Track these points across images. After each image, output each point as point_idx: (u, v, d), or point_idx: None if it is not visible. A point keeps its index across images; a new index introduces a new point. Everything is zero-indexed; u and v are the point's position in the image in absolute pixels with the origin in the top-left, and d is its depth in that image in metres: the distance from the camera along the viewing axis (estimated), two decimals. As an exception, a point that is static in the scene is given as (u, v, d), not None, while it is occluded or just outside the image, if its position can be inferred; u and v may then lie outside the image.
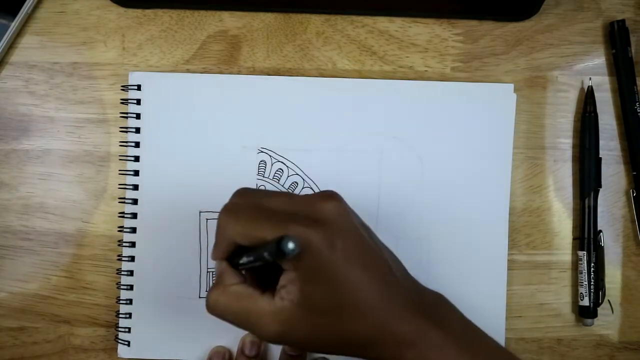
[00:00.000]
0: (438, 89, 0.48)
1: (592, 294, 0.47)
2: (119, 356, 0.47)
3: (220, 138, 0.47)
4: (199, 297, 0.47)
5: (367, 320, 0.34)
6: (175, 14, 0.48)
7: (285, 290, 0.34)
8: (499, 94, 0.48)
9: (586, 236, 0.48)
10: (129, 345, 0.47)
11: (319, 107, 0.47)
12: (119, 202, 0.47)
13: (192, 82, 0.47)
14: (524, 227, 0.48)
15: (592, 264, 0.47)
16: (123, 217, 0.47)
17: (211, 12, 0.48)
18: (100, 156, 0.48)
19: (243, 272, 0.37)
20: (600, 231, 0.48)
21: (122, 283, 0.47)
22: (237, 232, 0.35)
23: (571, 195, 0.49)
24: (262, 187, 0.47)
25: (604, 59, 0.49)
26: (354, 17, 0.48)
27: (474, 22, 0.48)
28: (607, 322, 0.49)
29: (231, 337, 0.47)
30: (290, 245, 0.29)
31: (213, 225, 0.47)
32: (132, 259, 0.47)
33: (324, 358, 0.47)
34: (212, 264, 0.47)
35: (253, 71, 0.48)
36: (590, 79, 0.48)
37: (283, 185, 0.47)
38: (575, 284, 0.48)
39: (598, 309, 0.48)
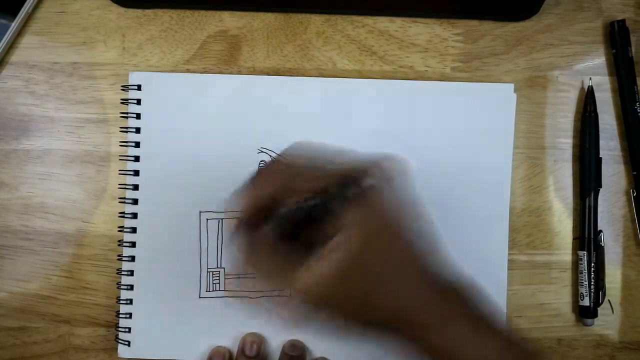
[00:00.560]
0: (438, 89, 0.48)
1: (592, 294, 0.47)
2: (119, 356, 0.47)
3: (220, 138, 0.47)
4: (199, 297, 0.47)
5: (402, 299, 0.34)
6: (175, 14, 0.48)
7: (334, 253, 0.33)
8: (499, 93, 0.48)
9: (586, 236, 0.48)
10: (129, 345, 0.47)
11: (319, 107, 0.47)
12: (119, 202, 0.47)
13: (192, 82, 0.47)
14: (524, 227, 0.48)
15: (592, 264, 0.47)
16: (123, 217, 0.47)
17: (211, 12, 0.48)
18: (100, 156, 0.48)
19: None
20: (601, 231, 0.48)
21: (122, 283, 0.47)
22: (292, 184, 0.34)
23: (571, 195, 0.49)
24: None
25: (604, 59, 0.49)
26: (354, 17, 0.48)
27: (474, 22, 0.48)
28: (607, 322, 0.49)
29: (231, 337, 0.47)
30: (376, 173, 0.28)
31: (213, 225, 0.47)
32: (132, 259, 0.47)
33: (324, 358, 0.47)
34: (213, 264, 0.47)
35: (253, 71, 0.48)
36: (590, 79, 0.48)
37: (283, 185, 0.47)
38: (576, 284, 0.48)
39: (598, 309, 0.48)
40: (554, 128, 0.49)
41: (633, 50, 0.48)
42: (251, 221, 0.35)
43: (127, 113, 0.47)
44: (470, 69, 0.48)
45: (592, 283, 0.47)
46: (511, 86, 0.48)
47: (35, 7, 0.48)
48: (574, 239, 0.49)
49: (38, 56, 0.48)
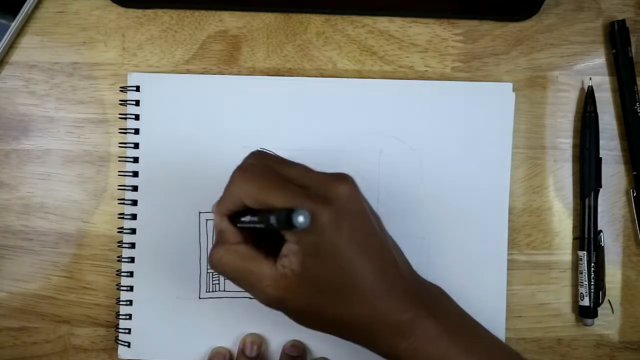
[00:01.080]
0: (437, 89, 0.48)
1: (592, 294, 0.47)
2: (119, 357, 0.47)
3: (219, 138, 0.47)
4: (199, 298, 0.47)
5: (364, 306, 0.35)
6: (175, 14, 0.48)
7: (287, 260, 0.34)
8: (497, 93, 0.48)
9: (586, 236, 0.48)
10: (129, 346, 0.47)
11: (319, 107, 0.47)
12: (119, 203, 0.47)
13: (190, 83, 0.47)
14: (524, 227, 0.48)
15: (592, 264, 0.47)
16: (122, 218, 0.47)
17: (211, 12, 0.48)
18: (100, 156, 0.48)
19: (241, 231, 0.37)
20: (601, 231, 0.48)
21: (122, 284, 0.47)
22: (247, 194, 0.35)
23: (571, 195, 0.49)
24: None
25: (604, 59, 0.49)
26: (354, 17, 0.48)
27: (474, 22, 0.48)
28: (607, 322, 0.49)
29: (232, 337, 0.47)
30: (301, 218, 0.29)
31: (213, 225, 0.47)
32: (132, 260, 0.47)
33: (324, 358, 0.47)
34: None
35: (253, 71, 0.48)
36: (590, 79, 0.48)
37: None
38: (576, 284, 0.48)
39: (598, 309, 0.48)
40: (554, 128, 0.49)
41: (633, 50, 0.48)
42: (226, 213, 0.37)
43: (125, 114, 0.47)
44: (470, 69, 0.48)
45: (592, 283, 0.47)
46: (510, 85, 0.48)
47: (35, 7, 0.47)
48: (574, 239, 0.49)
49: (38, 56, 0.48)
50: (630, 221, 0.49)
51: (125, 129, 0.47)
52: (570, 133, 0.49)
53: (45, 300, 0.48)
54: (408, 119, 0.47)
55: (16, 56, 0.48)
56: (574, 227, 0.49)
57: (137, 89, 0.47)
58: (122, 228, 0.47)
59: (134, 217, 0.47)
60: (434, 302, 0.38)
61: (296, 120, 0.47)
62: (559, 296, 0.48)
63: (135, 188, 0.47)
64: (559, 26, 0.49)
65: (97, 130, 0.48)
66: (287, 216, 0.30)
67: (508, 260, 0.48)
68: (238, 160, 0.47)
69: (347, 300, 0.35)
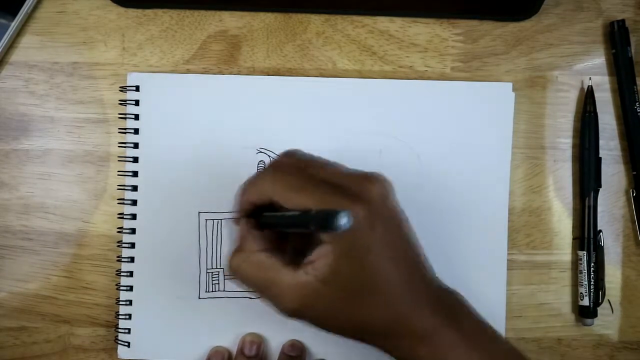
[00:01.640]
0: (436, 88, 0.48)
1: (592, 293, 0.47)
2: (119, 357, 0.47)
3: (219, 139, 0.47)
4: (199, 298, 0.47)
5: (388, 309, 0.34)
6: (175, 14, 0.48)
7: (312, 266, 0.34)
8: (497, 92, 0.48)
9: (586, 236, 0.48)
10: (128, 346, 0.47)
11: (319, 107, 0.47)
12: (119, 203, 0.47)
13: (190, 83, 0.47)
14: (524, 227, 0.48)
15: (592, 264, 0.47)
16: (122, 218, 0.47)
17: (211, 12, 0.48)
18: (100, 156, 0.48)
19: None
20: (600, 231, 0.48)
21: (121, 284, 0.47)
22: (279, 192, 0.34)
23: (571, 195, 0.49)
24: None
25: (604, 59, 0.49)
26: (354, 17, 0.48)
27: (474, 22, 0.48)
28: (607, 322, 0.49)
29: (231, 337, 0.47)
30: (344, 219, 0.28)
31: (212, 225, 0.47)
32: (131, 260, 0.47)
33: None
34: (212, 264, 0.47)
35: (253, 71, 0.48)
36: (590, 78, 0.48)
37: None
38: (575, 284, 0.48)
39: (598, 308, 0.48)
40: (554, 128, 0.49)
41: (633, 50, 0.48)
42: (249, 207, 0.36)
43: (125, 114, 0.47)
44: (470, 68, 0.48)
45: (591, 283, 0.47)
46: (510, 85, 0.48)
47: (35, 7, 0.48)
48: (574, 239, 0.49)
49: (38, 56, 0.48)
50: (630, 221, 0.49)
51: (125, 129, 0.47)
52: (570, 133, 0.49)
53: (45, 300, 0.48)
54: (408, 119, 0.47)
55: (16, 56, 0.48)
56: (574, 227, 0.49)
57: (137, 88, 0.47)
58: (121, 228, 0.47)
59: (133, 217, 0.47)
60: (455, 308, 0.37)
61: (296, 120, 0.47)
62: (558, 296, 0.48)
63: (135, 188, 0.47)
64: (559, 26, 0.49)
65: (97, 130, 0.48)
66: (328, 218, 0.28)
67: (508, 260, 0.48)
68: (238, 159, 0.47)
69: (371, 303, 0.34)
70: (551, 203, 0.49)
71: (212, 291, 0.47)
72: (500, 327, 0.47)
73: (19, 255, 0.48)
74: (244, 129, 0.47)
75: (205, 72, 0.48)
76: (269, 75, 0.48)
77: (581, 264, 0.48)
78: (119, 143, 0.47)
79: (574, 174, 0.49)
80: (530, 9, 0.48)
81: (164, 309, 0.47)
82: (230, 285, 0.47)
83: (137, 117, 0.47)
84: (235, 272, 0.36)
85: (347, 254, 0.34)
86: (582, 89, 0.49)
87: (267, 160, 0.47)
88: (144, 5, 0.48)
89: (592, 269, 0.47)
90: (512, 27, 0.49)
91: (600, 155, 0.48)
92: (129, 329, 0.47)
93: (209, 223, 0.47)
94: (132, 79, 0.47)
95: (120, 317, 0.47)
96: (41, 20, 0.48)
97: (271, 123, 0.47)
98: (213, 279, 0.47)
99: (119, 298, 0.47)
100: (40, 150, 0.48)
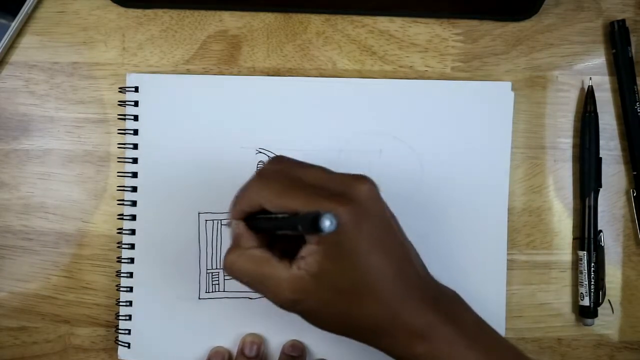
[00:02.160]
0: (436, 88, 0.48)
1: (592, 293, 0.47)
2: (119, 357, 0.47)
3: (218, 139, 0.47)
4: (199, 298, 0.47)
5: (381, 307, 0.35)
6: (175, 14, 0.48)
7: (304, 262, 0.34)
8: (496, 92, 0.48)
9: (586, 236, 0.48)
10: (129, 347, 0.47)
11: (319, 107, 0.47)
12: (118, 204, 0.47)
13: (189, 83, 0.47)
14: (524, 227, 0.48)
15: (592, 264, 0.47)
16: (122, 219, 0.47)
17: (211, 12, 0.48)
18: (100, 156, 0.48)
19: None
20: (601, 231, 0.48)
21: (121, 285, 0.47)
22: (266, 198, 0.35)
23: (571, 195, 0.49)
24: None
25: (604, 59, 0.49)
26: (354, 17, 0.48)
27: (474, 22, 0.48)
28: (607, 322, 0.49)
29: (231, 338, 0.47)
30: (328, 223, 0.29)
31: (212, 226, 0.47)
32: (131, 261, 0.47)
33: None
34: (212, 265, 0.47)
35: (253, 71, 0.48)
36: (590, 78, 0.48)
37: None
38: (576, 284, 0.48)
39: (598, 308, 0.48)
40: (554, 128, 0.49)
41: (633, 50, 0.48)
42: (242, 216, 0.37)
43: (124, 115, 0.47)
44: (470, 68, 0.48)
45: (592, 283, 0.47)
46: (509, 84, 0.48)
47: (35, 7, 0.47)
48: (574, 239, 0.49)
49: (38, 56, 0.48)
50: (630, 221, 0.49)
51: (124, 130, 0.47)
52: (570, 133, 0.49)
53: (45, 300, 0.48)
54: (408, 118, 0.47)
55: (16, 56, 0.48)
56: (574, 227, 0.49)
57: (136, 89, 0.47)
58: (121, 229, 0.47)
59: (133, 218, 0.47)
60: (451, 306, 0.38)
61: (296, 120, 0.47)
62: (559, 296, 0.48)
63: (134, 189, 0.47)
64: (559, 26, 0.49)
65: (97, 130, 0.48)
66: (313, 220, 0.29)
67: (508, 260, 0.48)
68: (237, 160, 0.47)
69: (364, 302, 0.35)
70: (551, 203, 0.49)
71: (212, 292, 0.47)
72: (500, 327, 0.47)
73: (19, 255, 0.48)
74: (243, 129, 0.47)
75: (205, 72, 0.48)
76: (269, 75, 0.48)
77: (581, 264, 0.48)
78: (119, 144, 0.47)
79: (574, 174, 0.49)
80: (530, 9, 0.48)
81: (164, 309, 0.47)
82: (231, 285, 0.47)
83: (136, 118, 0.47)
84: (230, 269, 0.37)
85: (335, 253, 0.34)
86: (582, 88, 0.49)
87: (265, 161, 0.47)
88: (144, 5, 0.48)
89: (592, 269, 0.47)
90: (512, 27, 0.49)
91: (600, 155, 0.48)
92: (129, 330, 0.47)
93: (209, 223, 0.47)
94: (131, 80, 0.47)
95: (120, 318, 0.47)
96: (41, 20, 0.48)
97: (271, 123, 0.47)
98: (213, 279, 0.47)
99: (119, 299, 0.47)
100: (40, 150, 0.48)
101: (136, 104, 0.47)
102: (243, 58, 0.48)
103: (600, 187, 0.48)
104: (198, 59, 0.48)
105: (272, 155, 0.47)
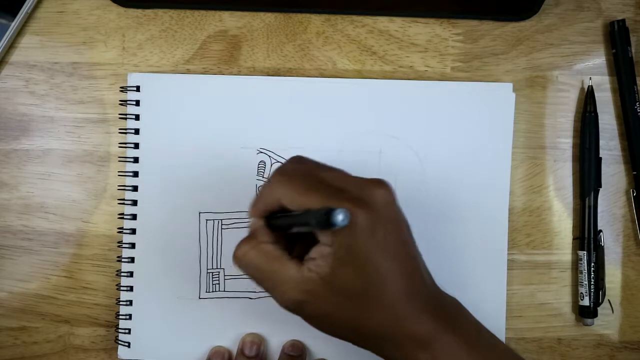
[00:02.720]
0: (437, 89, 0.48)
1: (592, 293, 0.47)
2: (119, 357, 0.47)
3: (219, 139, 0.47)
4: (199, 298, 0.47)
5: (387, 314, 0.35)
6: (175, 13, 0.48)
7: (314, 263, 0.34)
8: (498, 93, 0.48)
9: (586, 236, 0.48)
10: (129, 346, 0.47)
11: (319, 107, 0.47)
12: (119, 203, 0.47)
13: (190, 83, 0.47)
14: (524, 227, 0.48)
15: (592, 264, 0.47)
16: (122, 218, 0.47)
17: (211, 12, 0.48)
18: (100, 156, 0.48)
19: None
20: (601, 231, 0.48)
21: (121, 284, 0.47)
22: (286, 196, 0.35)
23: (571, 195, 0.49)
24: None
25: (604, 59, 0.49)
26: (354, 17, 0.48)
27: (474, 22, 0.48)
28: (607, 322, 0.49)
29: (231, 337, 0.47)
30: (341, 216, 0.29)
31: (212, 226, 0.47)
32: (132, 260, 0.47)
33: None
34: (212, 264, 0.47)
35: (253, 71, 0.48)
36: (590, 78, 0.48)
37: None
38: (575, 284, 0.48)
39: (598, 308, 0.48)
40: (554, 128, 0.49)
41: (633, 50, 0.48)
42: (262, 214, 0.37)
43: (125, 114, 0.47)
44: (470, 68, 0.48)
45: (592, 283, 0.47)
46: (510, 85, 0.48)
47: (35, 7, 0.48)
48: (574, 238, 0.49)
49: (38, 56, 0.48)
50: (630, 221, 0.49)
51: (125, 129, 0.47)
52: (570, 133, 0.49)
53: (45, 300, 0.48)
54: (408, 119, 0.47)
55: (16, 56, 0.48)
56: (574, 227, 0.49)
57: (137, 89, 0.47)
58: (122, 228, 0.47)
59: (133, 217, 0.47)
60: (453, 314, 0.38)
61: (296, 120, 0.47)
62: (558, 296, 0.48)
63: (135, 188, 0.47)
64: (559, 26, 0.49)
65: (97, 130, 0.48)
66: (326, 214, 0.29)
67: (508, 260, 0.48)
68: (238, 160, 0.47)
69: (369, 307, 0.35)
70: (551, 203, 0.49)
71: (213, 291, 0.47)
72: (500, 327, 0.47)
73: (19, 255, 0.48)
74: (244, 128, 0.47)
75: (205, 72, 0.48)
76: (269, 75, 0.48)
77: (581, 264, 0.48)
78: (119, 143, 0.47)
79: (574, 173, 0.49)
80: (530, 9, 0.48)
81: (164, 309, 0.47)
82: (231, 285, 0.47)
83: (137, 117, 0.47)
84: (241, 259, 0.36)
85: (348, 256, 0.34)
86: (582, 88, 0.49)
87: (267, 161, 0.47)
88: (144, 5, 0.48)
89: (592, 269, 0.47)
90: (512, 27, 0.49)
91: (600, 155, 0.48)
92: (129, 329, 0.47)
93: (209, 223, 0.47)
94: (132, 79, 0.47)
95: (120, 317, 0.47)
96: (41, 20, 0.48)
97: (271, 123, 0.47)
98: (213, 279, 0.47)
99: (119, 298, 0.47)
100: (40, 150, 0.48)
101: (137, 103, 0.47)
102: (243, 58, 0.48)
103: (600, 187, 0.48)
104: (198, 59, 0.48)
105: (273, 155, 0.47)
